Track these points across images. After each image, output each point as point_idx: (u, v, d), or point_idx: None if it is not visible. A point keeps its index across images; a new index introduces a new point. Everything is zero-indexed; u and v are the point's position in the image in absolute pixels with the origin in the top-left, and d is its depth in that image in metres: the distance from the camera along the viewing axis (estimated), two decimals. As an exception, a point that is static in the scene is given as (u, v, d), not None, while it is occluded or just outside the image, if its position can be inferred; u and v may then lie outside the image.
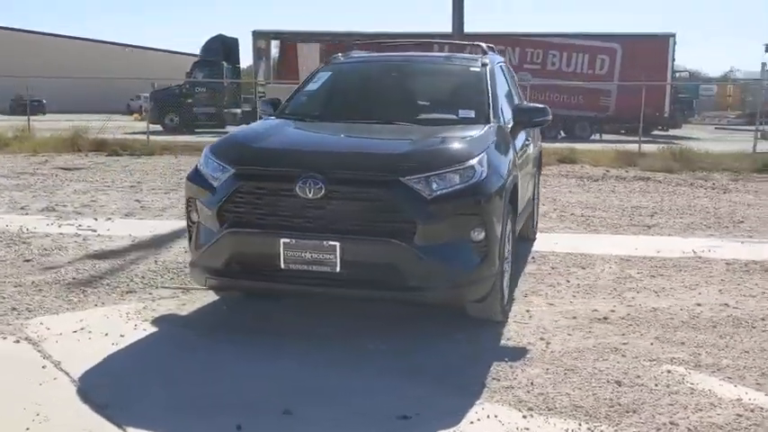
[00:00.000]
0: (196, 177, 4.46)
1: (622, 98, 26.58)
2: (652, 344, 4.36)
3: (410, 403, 3.46)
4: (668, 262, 6.46)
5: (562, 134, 26.08)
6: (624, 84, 25.67)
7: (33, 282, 5.41)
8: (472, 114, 5.13)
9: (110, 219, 8.07)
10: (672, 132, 28.70)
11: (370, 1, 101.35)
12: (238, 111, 28.72)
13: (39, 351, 4.07)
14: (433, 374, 3.84)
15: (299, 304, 4.97)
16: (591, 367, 3.95)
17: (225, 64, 28.88)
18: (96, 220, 7.97)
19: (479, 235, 4.06)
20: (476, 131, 4.70)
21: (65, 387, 3.60)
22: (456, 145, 4.40)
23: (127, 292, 5.23)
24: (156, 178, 11.91)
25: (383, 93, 5.56)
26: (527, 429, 3.23)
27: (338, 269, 3.98)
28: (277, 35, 30.65)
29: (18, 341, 4.21)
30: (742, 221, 8.66)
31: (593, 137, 26.98)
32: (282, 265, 4.05)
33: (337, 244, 3.95)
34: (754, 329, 4.66)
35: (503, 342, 4.36)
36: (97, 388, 3.57)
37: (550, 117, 5.40)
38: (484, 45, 6.14)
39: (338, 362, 3.98)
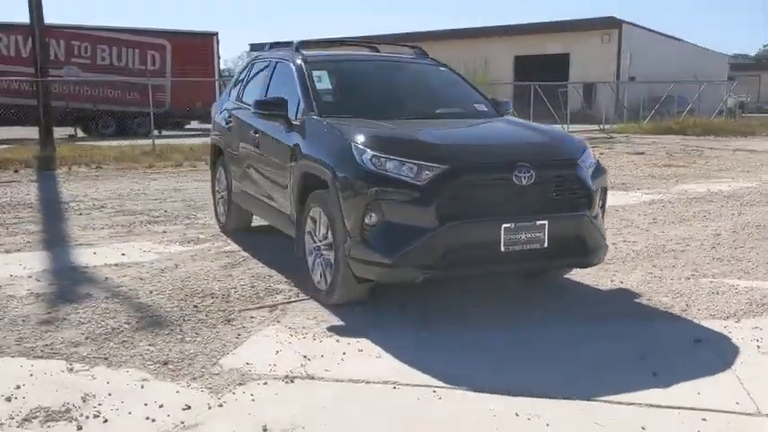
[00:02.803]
0: (381, 179, 4.42)
1: (176, 93, 27.23)
2: (661, 270, 5.96)
3: (670, 332, 4.44)
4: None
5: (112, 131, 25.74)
6: (177, 79, 26.40)
7: (86, 337, 4.37)
8: (485, 108, 5.96)
9: None
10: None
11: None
12: None
13: (366, 383, 3.72)
14: (629, 315, 4.81)
15: (411, 290, 5.14)
16: (682, 289, 5.36)
17: None
18: None
19: (602, 203, 5.09)
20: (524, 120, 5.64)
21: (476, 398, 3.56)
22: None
23: (226, 322, 4.66)
24: None
25: (405, 90, 5.97)
26: (757, 328, 4.53)
27: (546, 245, 4.58)
28: None
29: (293, 379, 3.72)
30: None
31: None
32: (503, 249, 4.46)
33: (546, 222, 4.55)
34: (688, 250, 6.65)
35: (605, 288, 5.46)
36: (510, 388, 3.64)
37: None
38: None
39: (562, 326, 4.62)
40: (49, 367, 3.87)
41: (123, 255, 6.48)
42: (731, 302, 5.02)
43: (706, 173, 13.04)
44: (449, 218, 4.32)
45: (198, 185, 11.28)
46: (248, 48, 50.82)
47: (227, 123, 7.04)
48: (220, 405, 3.40)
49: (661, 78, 30.81)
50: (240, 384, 3.64)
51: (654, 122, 25.20)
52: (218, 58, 29.38)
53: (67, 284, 5.49)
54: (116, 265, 6.11)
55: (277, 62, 6.32)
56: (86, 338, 4.31)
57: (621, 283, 5.52)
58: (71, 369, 3.85)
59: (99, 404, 3.40)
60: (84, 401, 3.42)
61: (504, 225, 4.41)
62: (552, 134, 5.20)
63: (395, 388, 3.59)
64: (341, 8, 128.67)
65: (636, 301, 5.10)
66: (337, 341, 4.27)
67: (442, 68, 6.41)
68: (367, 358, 4.00)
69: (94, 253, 6.55)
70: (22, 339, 4.29)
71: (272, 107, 5.49)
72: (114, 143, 17.62)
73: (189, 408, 3.36)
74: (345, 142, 4.70)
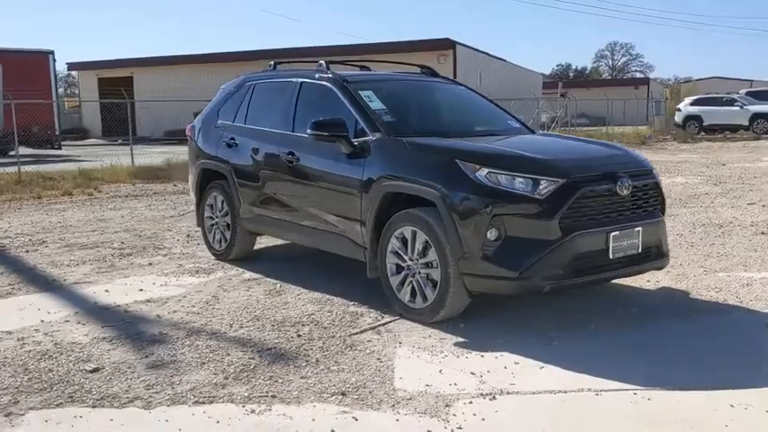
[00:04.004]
0: (501, 195, 4.54)
1: (10, 117, 25.06)
2: (675, 269, 6.54)
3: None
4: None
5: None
6: (12, 101, 24.39)
7: (225, 377, 4.12)
8: (517, 124, 6.26)
9: None
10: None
11: None
12: None
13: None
14: (703, 311, 5.27)
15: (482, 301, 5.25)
16: (715, 284, 5.91)
17: None
18: None
19: None
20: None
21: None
22: None
23: (350, 348, 4.55)
24: None
25: (447, 109, 6.13)
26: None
27: (639, 249, 4.94)
28: None
29: (495, 396, 3.76)
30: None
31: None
32: (611, 256, 4.76)
33: (640, 228, 4.91)
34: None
35: (652, 288, 5.91)
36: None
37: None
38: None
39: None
40: (226, 412, 3.62)
41: (141, 290, 6.05)
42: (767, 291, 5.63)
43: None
44: (569, 229, 4.53)
45: (122, 214, 10.60)
46: (65, 66, 47.81)
47: (229, 147, 6.76)
48: (459, 427, 3.37)
49: (492, 95, 32.80)
50: (448, 406, 3.62)
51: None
52: (56, 77, 27.44)
53: (124, 325, 5.06)
54: (148, 301, 5.71)
55: (302, 83, 6.20)
56: (226, 378, 4.04)
57: (658, 282, 6.00)
58: (253, 411, 3.62)
59: (336, 442, 3.24)
60: (316, 440, 3.24)
61: (613, 233, 4.70)
62: (619, 147, 5.61)
63: (597, 394, 3.73)
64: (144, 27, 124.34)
65: (691, 297, 5.57)
66: (482, 356, 4.32)
67: (461, 87, 6.62)
68: (533, 369, 4.10)
69: (106, 291, 6.05)
70: (152, 386, 3.95)
71: (332, 128, 5.39)
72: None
73: (428, 435, 3.30)
74: (449, 160, 4.77)
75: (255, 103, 6.73)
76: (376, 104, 5.65)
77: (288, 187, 6.05)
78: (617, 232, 4.72)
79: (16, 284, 6.35)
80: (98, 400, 3.77)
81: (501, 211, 4.51)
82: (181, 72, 38.46)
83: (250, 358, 4.33)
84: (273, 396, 3.79)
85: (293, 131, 6.06)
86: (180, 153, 18.31)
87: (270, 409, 3.63)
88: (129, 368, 4.22)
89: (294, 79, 6.32)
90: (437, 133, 5.46)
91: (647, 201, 5.01)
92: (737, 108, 29.61)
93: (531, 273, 4.50)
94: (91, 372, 4.16)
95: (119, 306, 5.56)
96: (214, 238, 7.14)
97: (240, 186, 6.60)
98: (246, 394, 3.81)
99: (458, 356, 4.33)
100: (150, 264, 7.10)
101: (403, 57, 35.87)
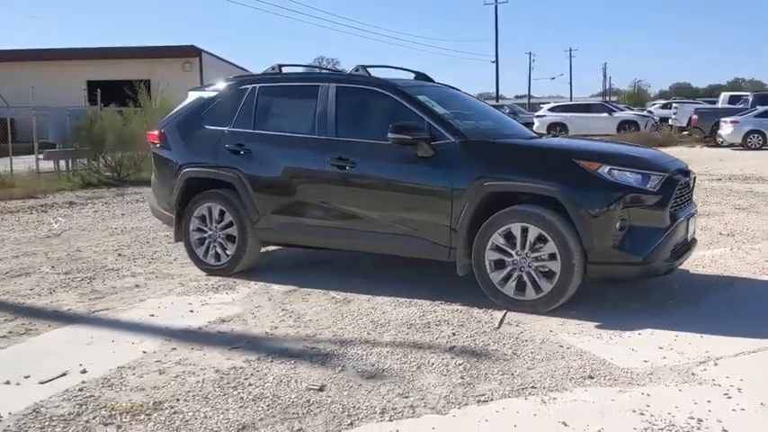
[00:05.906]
0: (624, 189, 5.08)
1: None
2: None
3: None
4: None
5: None
6: None
7: (466, 382, 4.17)
8: (526, 128, 6.86)
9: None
10: None
11: None
12: None
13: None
14: (731, 282, 6.31)
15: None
16: (709, 262, 7.04)
17: None
18: None
19: None
20: None
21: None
22: None
23: (519, 340, 4.80)
24: None
25: (481, 113, 6.54)
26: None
27: (694, 233, 5.84)
28: None
29: (717, 361, 4.30)
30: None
31: None
32: (688, 238, 5.59)
33: (695, 215, 5.82)
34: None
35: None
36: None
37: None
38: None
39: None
40: (524, 405, 3.71)
41: (192, 312, 5.55)
42: (754, 265, 6.83)
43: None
44: (674, 217, 5.24)
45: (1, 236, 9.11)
46: None
47: (236, 153, 6.39)
48: (739, 389, 3.83)
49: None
50: (693, 374, 4.06)
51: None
52: None
53: (251, 346, 4.68)
54: (222, 320, 5.29)
55: (338, 87, 6.12)
56: (462, 378, 4.06)
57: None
58: (544, 402, 3.74)
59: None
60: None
61: (690, 219, 5.50)
62: (656, 150, 6.43)
63: (775, 351, 4.44)
64: None
65: (692, 273, 6.54)
66: (639, 334, 4.76)
67: (467, 94, 7.01)
68: (698, 338, 4.61)
69: (152, 315, 5.46)
70: (406, 395, 3.85)
71: (414, 132, 5.46)
72: None
73: (730, 397, 3.75)
74: (565, 159, 5.21)
75: (265, 107, 6.44)
76: (439, 109, 5.82)
77: (339, 193, 5.91)
78: (692, 218, 5.51)
79: (16, 320, 5.38)
80: (380, 414, 3.59)
81: (625, 204, 5.04)
82: None
83: (452, 358, 4.34)
84: (534, 387, 3.91)
85: (337, 136, 5.96)
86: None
87: (555, 399, 3.76)
88: (347, 382, 4.00)
89: (324, 84, 6.19)
90: (499, 136, 5.82)
91: (691, 192, 5.89)
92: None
93: (652, 257, 5.09)
94: (319, 390, 3.89)
95: (201, 328, 5.07)
96: (207, 252, 6.63)
97: (258, 194, 6.26)
98: (508, 389, 3.88)
99: (621, 336, 4.75)
100: (138, 286, 6.39)
101: (149, 63, 34.32)
